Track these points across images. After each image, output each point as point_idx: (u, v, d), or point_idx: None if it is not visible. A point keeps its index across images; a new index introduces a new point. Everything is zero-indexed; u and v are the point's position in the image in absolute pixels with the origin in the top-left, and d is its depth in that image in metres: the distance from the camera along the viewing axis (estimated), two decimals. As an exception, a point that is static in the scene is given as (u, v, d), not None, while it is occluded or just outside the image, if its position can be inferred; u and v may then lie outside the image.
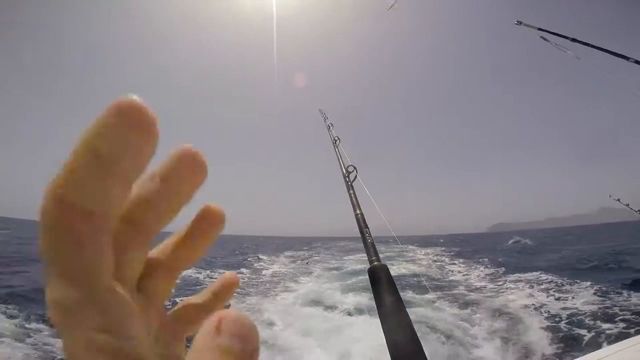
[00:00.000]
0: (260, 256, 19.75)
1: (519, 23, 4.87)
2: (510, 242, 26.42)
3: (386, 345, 0.64)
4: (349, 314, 6.50)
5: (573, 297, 7.23)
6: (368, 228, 0.99)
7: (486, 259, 15.67)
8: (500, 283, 9.80)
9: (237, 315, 0.16)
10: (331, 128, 2.29)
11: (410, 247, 31.71)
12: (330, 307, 7.03)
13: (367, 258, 0.86)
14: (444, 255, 20.72)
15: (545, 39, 4.63)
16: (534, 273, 10.65)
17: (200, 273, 11.24)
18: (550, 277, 9.73)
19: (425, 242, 40.78)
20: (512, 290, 8.57)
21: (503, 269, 12.54)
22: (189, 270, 12.00)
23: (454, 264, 15.71)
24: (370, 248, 0.89)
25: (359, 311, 6.57)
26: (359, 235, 1.00)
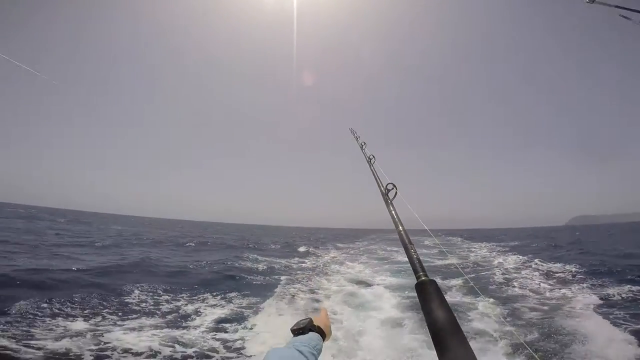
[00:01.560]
0: (321, 245, 23.21)
1: (592, 1, 4.29)
2: (576, 235, 25.41)
3: (437, 356, 0.64)
4: (382, 293, 8.78)
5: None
6: (412, 244, 0.97)
7: (524, 253, 16.58)
8: (525, 275, 11.24)
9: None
10: (364, 147, 2.22)
11: (458, 239, 32.33)
12: (369, 286, 9.55)
13: (413, 274, 0.84)
14: (494, 249, 21.54)
15: (626, 17, 3.98)
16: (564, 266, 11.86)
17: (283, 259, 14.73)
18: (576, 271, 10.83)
19: (484, 236, 40.29)
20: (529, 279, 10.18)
21: (536, 260, 13.84)
22: (277, 258, 15.63)
23: (498, 256, 16.94)
24: (416, 263, 0.87)
25: (390, 290, 8.88)
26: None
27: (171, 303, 6.67)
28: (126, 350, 4.16)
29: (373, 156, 1.91)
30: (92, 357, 3.94)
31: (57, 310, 5.43)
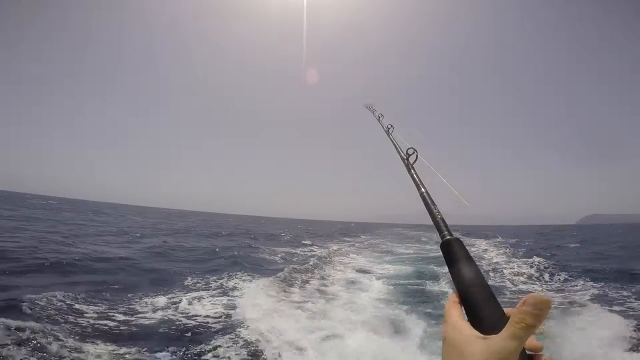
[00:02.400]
0: (326, 237, 25.04)
1: None
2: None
3: (465, 315, 0.64)
4: (377, 278, 10.63)
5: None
6: (435, 205, 0.96)
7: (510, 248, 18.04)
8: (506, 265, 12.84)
9: (536, 295, 0.56)
10: (381, 118, 2.20)
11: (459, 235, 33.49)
12: (368, 273, 11.37)
13: (438, 234, 0.84)
14: (490, 244, 22.88)
15: None
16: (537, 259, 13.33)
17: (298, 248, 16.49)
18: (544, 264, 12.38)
19: (483, 233, 41.49)
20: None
21: (522, 256, 15.33)
22: (287, 247, 17.38)
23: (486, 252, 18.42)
24: (440, 223, 0.87)
25: (385, 278, 10.65)
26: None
27: (217, 281, 8.54)
28: (206, 316, 5.91)
29: (391, 126, 1.90)
30: (184, 319, 5.70)
31: (139, 291, 7.20)
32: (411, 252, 18.41)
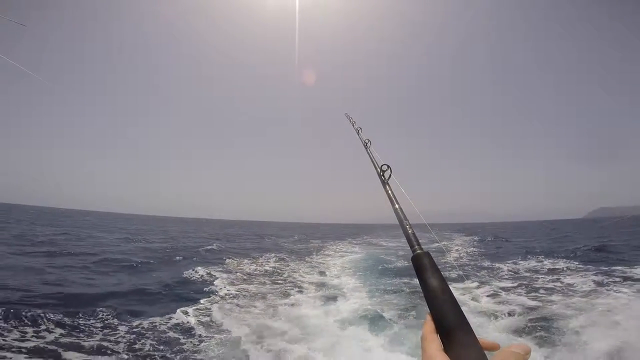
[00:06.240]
0: (325, 237, 31.68)
1: None
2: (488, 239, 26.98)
3: (434, 324, 0.70)
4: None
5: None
6: (407, 220, 1.04)
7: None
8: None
9: (523, 343, 0.65)
10: (360, 131, 2.30)
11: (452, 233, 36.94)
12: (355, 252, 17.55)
13: (409, 247, 0.91)
14: (465, 240, 26.17)
15: None
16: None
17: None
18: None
19: (466, 229, 44.21)
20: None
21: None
22: (298, 244, 23.43)
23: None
24: (411, 237, 0.93)
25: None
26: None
27: (264, 263, 14.03)
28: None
29: (369, 140, 1.98)
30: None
31: (213, 272, 11.11)
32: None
